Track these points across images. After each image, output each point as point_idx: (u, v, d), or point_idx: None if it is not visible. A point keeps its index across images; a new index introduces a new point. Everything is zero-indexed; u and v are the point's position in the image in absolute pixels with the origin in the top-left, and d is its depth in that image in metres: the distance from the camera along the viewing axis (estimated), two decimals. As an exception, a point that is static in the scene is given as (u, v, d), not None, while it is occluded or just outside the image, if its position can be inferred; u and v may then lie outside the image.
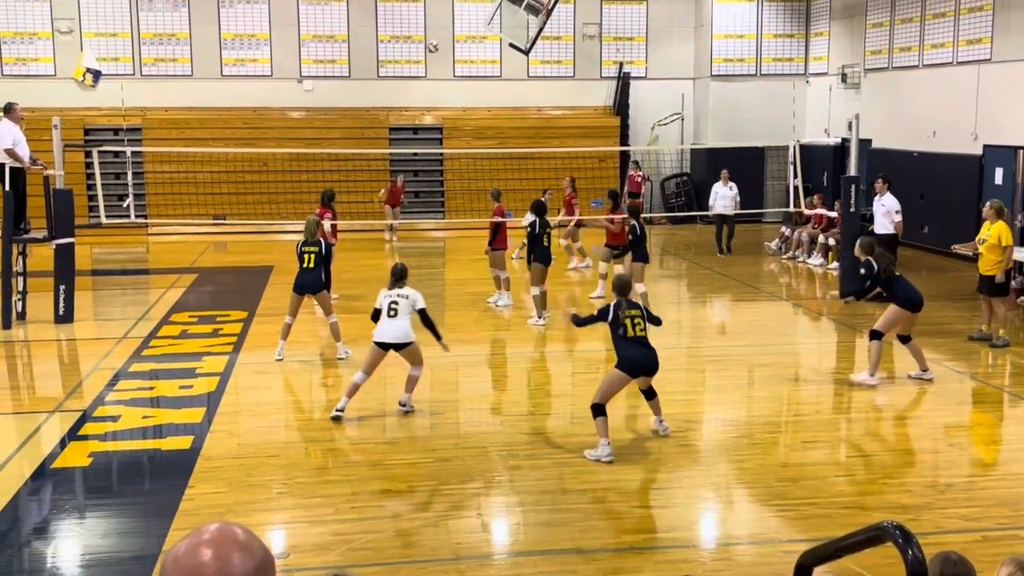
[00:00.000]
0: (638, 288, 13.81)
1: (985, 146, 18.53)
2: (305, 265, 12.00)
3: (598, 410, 8.66)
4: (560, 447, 8.95)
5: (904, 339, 11.08)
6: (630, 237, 14.47)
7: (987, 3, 18.80)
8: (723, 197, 20.41)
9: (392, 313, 9.82)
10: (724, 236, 20.35)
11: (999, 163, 17.90)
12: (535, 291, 13.92)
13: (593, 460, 8.52)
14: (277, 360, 11.90)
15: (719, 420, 10.16)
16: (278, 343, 12.07)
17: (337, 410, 9.75)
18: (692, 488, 8.20)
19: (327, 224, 15.05)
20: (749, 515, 7.84)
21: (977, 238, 12.92)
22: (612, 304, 8.97)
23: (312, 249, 12.01)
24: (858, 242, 11.45)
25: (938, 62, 20.40)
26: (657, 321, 9.20)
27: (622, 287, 9.14)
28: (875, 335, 10.87)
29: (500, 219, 15.29)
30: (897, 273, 11.11)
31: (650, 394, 9.23)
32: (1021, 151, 17.27)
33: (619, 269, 15.71)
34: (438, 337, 10.01)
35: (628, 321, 8.77)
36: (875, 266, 10.89)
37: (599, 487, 8.04)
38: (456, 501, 7.82)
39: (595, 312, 9.39)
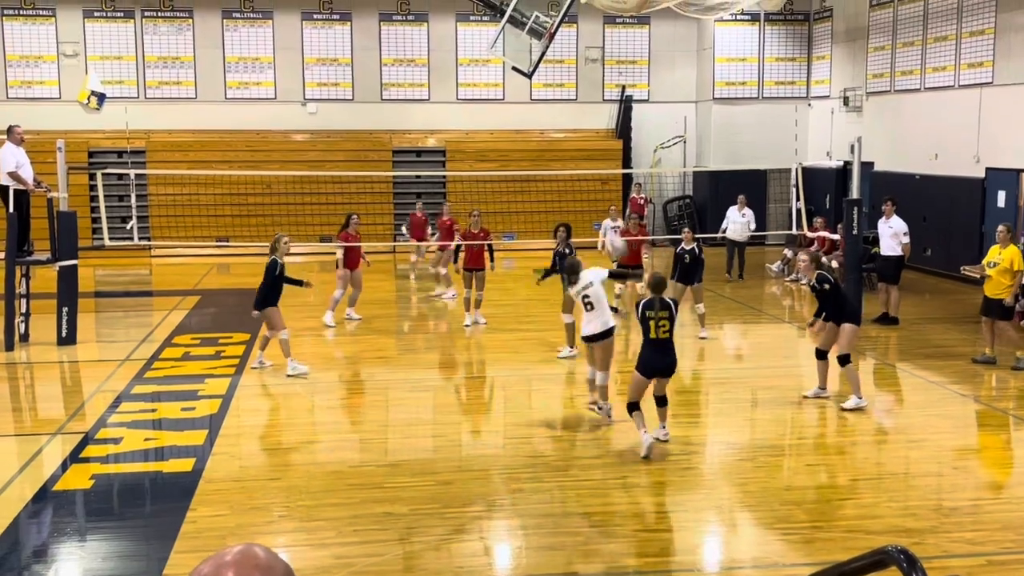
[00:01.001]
0: (699, 308, 14.52)
1: (987, 169, 18.56)
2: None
3: (632, 407, 9.05)
4: (562, 470, 8.92)
5: (822, 355, 11.08)
6: (687, 260, 14.75)
7: (988, 27, 18.87)
8: (735, 223, 20.22)
9: (588, 307, 10.17)
10: (735, 262, 20.13)
11: (1001, 186, 17.93)
12: (567, 319, 13.29)
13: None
14: (292, 375, 12.04)
15: (723, 443, 10.12)
16: (275, 360, 12.18)
17: (597, 407, 10.18)
18: (696, 511, 8.17)
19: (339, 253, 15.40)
20: (753, 539, 7.79)
21: (985, 260, 12.87)
22: (642, 302, 9.17)
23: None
24: (808, 258, 11.22)
25: (940, 85, 20.45)
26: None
27: (656, 284, 9.26)
28: (844, 360, 10.79)
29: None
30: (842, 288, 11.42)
31: (662, 401, 9.39)
32: (1023, 174, 17.29)
33: (640, 288, 15.74)
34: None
35: (652, 323, 8.93)
36: (831, 277, 10.89)
37: (602, 510, 8.00)
38: (458, 524, 7.79)
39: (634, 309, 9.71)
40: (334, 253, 15.85)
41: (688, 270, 14.70)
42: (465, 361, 13.74)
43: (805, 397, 11.15)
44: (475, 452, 9.78)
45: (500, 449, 9.79)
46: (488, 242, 15.45)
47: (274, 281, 12.37)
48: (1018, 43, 18.05)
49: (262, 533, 7.60)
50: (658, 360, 9.04)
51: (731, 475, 9.04)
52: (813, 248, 19.55)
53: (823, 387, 11.13)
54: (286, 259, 12.67)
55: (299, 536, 7.61)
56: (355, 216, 15.80)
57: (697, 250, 14.77)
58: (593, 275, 10.34)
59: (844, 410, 10.68)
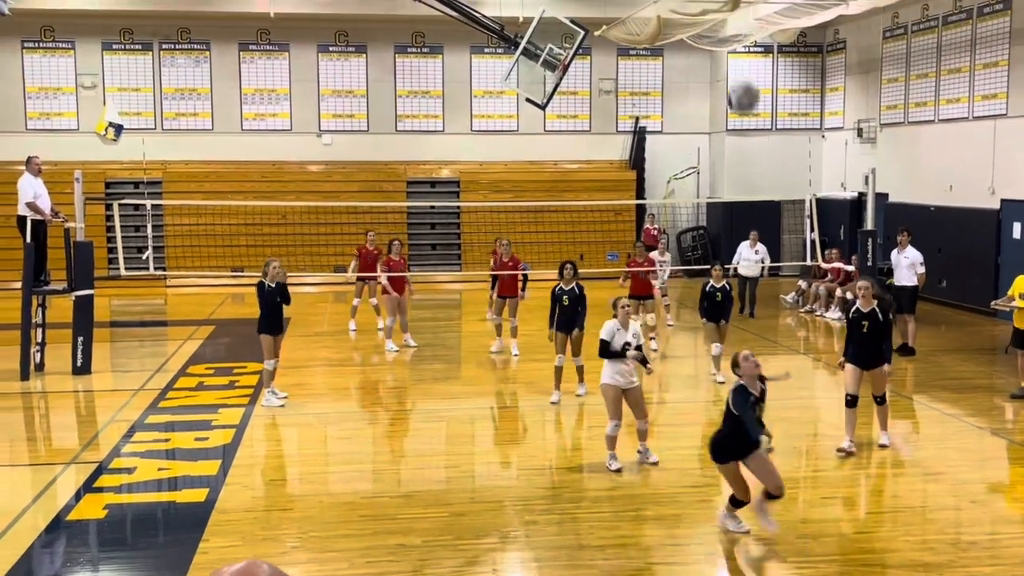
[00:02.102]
0: (714, 349, 13.73)
1: (1003, 200, 18.51)
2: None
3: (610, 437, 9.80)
4: (576, 502, 8.87)
5: (856, 400, 10.48)
6: (718, 298, 13.91)
7: (1003, 59, 18.89)
8: (747, 259, 19.96)
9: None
10: (746, 297, 19.91)
11: (1017, 217, 17.87)
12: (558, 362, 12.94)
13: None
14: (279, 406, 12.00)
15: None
16: (289, 392, 12.14)
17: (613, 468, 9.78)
18: (711, 544, 8.10)
19: (383, 278, 15.68)
20: (769, 572, 7.72)
21: (1012, 292, 12.71)
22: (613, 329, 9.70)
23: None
24: (867, 285, 10.53)
25: (954, 117, 20.45)
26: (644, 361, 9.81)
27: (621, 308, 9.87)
28: (883, 399, 10.50)
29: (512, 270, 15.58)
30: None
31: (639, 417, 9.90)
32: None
33: (651, 319, 15.72)
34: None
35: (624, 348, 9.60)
36: (888, 302, 10.66)
37: (616, 543, 7.95)
38: (471, 556, 7.74)
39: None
40: (349, 282, 15.91)
41: (718, 308, 13.96)
42: (479, 392, 13.71)
43: (842, 450, 10.39)
44: (488, 483, 9.74)
45: (514, 480, 9.75)
46: (522, 271, 15.64)
47: (263, 305, 12.30)
48: (1032, 75, 18.05)
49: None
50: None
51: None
52: (827, 279, 19.53)
53: (852, 439, 10.43)
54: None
55: (312, 567, 7.58)
56: (397, 242, 16.16)
57: (728, 287, 14.09)
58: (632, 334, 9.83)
59: (884, 446, 10.49)
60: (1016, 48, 18.50)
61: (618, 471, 9.66)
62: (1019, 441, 11.12)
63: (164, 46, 24.92)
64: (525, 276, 15.70)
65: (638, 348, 9.80)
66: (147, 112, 25.02)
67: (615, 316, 9.82)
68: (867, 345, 10.29)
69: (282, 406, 12.21)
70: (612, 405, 9.73)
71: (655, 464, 9.86)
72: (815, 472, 10.30)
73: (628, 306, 10.02)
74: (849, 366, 10.43)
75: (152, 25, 24.54)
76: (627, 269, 16.33)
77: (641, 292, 15.75)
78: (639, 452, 10.04)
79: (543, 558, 7.71)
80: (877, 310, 10.27)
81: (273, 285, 12.21)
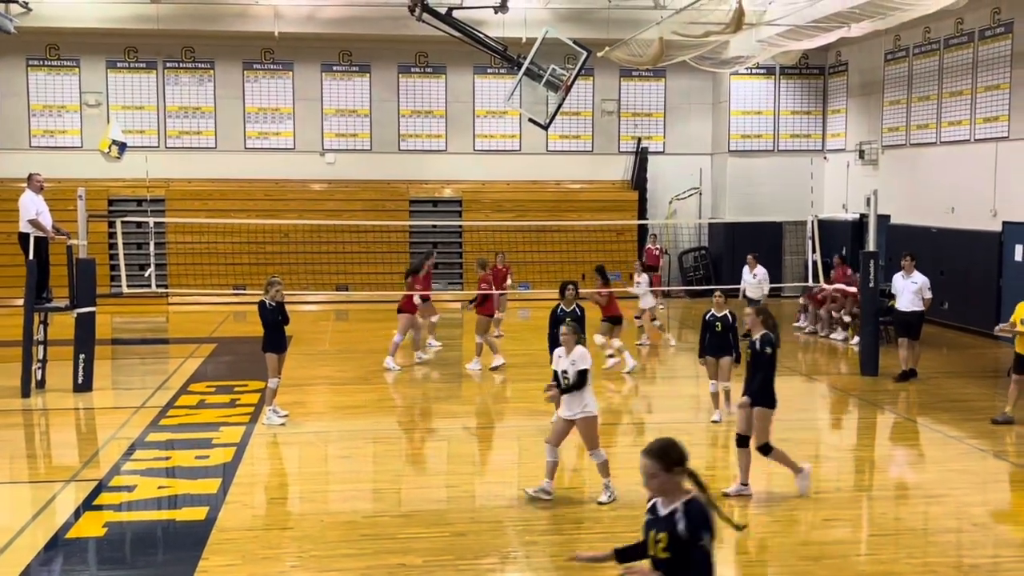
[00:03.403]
0: (711, 387, 12.77)
1: (1004, 222, 18.52)
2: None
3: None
4: (576, 522, 8.83)
5: (745, 441, 9.69)
6: (717, 328, 12.63)
7: (1004, 82, 18.94)
8: (749, 283, 19.95)
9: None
10: None
11: (1019, 239, 17.88)
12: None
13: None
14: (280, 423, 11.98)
15: (739, 496, 10.01)
16: (290, 411, 12.15)
17: (544, 492, 9.39)
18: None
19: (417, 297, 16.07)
20: (770, 595, 7.69)
21: (1015, 317, 12.65)
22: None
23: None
24: (753, 312, 9.81)
25: (956, 139, 20.49)
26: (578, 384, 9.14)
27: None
28: (766, 449, 9.63)
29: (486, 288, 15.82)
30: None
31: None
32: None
33: (616, 343, 15.67)
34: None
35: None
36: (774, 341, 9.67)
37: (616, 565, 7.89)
38: (472, 577, 7.71)
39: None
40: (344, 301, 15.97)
41: (719, 341, 12.52)
42: (480, 411, 13.70)
43: (726, 495, 9.54)
44: (489, 503, 9.70)
45: (514, 501, 9.72)
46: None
47: (264, 324, 12.32)
48: (1034, 98, 18.10)
49: (274, 584, 7.54)
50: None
51: (748, 529, 8.92)
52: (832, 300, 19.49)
53: (745, 482, 9.68)
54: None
55: (311, 587, 7.54)
56: (502, 254, 17.48)
57: (731, 318, 12.56)
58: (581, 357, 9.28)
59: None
60: (1017, 71, 18.55)
61: (540, 495, 9.35)
62: (1021, 464, 11.08)
63: (168, 64, 25.03)
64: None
65: (581, 373, 9.09)
66: (151, 130, 25.10)
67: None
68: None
69: (283, 424, 12.19)
70: (553, 431, 9.50)
71: (602, 504, 9.13)
72: (817, 494, 10.26)
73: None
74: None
75: (156, 44, 24.66)
76: (594, 291, 15.85)
77: (613, 313, 15.62)
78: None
79: (543, 579, 7.68)
80: (757, 341, 9.52)
81: (273, 304, 12.22)
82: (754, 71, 25.53)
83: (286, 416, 12.41)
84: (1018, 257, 17.91)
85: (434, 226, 24.93)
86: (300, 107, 25.45)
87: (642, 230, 24.87)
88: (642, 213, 25.53)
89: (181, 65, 25.10)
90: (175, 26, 23.54)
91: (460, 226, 24.98)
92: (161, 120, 25.12)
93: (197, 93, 25.19)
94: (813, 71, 26.09)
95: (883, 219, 20.40)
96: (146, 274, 19.14)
